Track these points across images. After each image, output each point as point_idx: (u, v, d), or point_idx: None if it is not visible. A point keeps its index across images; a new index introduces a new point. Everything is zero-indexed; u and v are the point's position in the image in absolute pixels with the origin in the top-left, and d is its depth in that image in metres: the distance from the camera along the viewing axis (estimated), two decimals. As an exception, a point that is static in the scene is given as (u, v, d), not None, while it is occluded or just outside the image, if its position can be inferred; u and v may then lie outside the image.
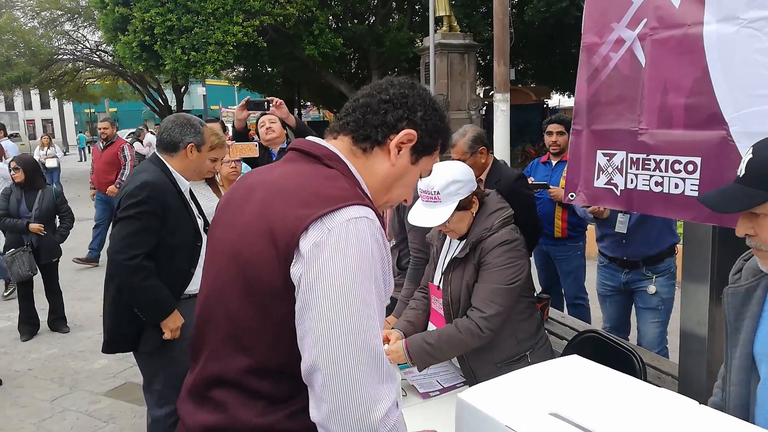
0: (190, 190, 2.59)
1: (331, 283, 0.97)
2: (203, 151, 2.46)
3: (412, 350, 1.93)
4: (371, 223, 1.03)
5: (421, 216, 1.97)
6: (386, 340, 2.05)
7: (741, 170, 1.24)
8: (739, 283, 1.37)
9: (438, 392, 2.04)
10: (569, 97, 23.09)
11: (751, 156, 1.22)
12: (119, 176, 6.95)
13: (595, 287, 3.42)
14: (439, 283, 2.14)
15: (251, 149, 3.53)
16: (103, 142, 7.08)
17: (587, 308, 3.94)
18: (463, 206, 1.98)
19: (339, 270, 0.98)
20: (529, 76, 20.28)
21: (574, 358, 1.25)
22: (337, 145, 1.16)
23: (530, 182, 3.56)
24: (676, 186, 1.70)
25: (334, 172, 1.12)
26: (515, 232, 2.00)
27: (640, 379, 2.26)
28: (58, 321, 5.00)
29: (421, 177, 1.24)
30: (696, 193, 1.65)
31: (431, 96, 1.21)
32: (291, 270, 1.01)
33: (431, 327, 2.24)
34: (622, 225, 2.96)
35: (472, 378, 2.08)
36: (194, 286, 2.51)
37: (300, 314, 1.00)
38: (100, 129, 7.12)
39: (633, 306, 3.27)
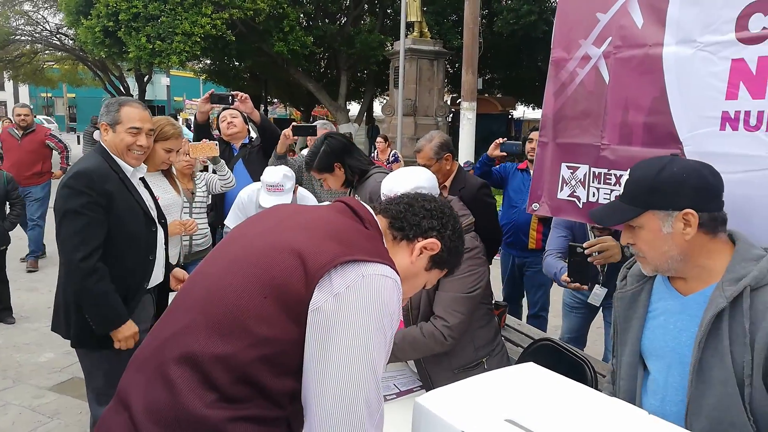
0: (144, 179, 2.52)
1: (354, 330, 1.05)
2: (118, 131, 2.32)
3: None
4: (397, 287, 1.12)
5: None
6: None
7: (621, 188, 1.41)
8: (626, 289, 1.51)
9: (395, 396, 2.05)
10: (534, 109, 23.56)
11: (628, 176, 1.39)
12: (64, 160, 6.52)
13: (562, 297, 3.47)
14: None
15: (211, 149, 3.46)
16: (21, 130, 6.21)
17: (546, 320, 4.01)
18: None
19: (363, 318, 1.06)
20: (495, 86, 20.60)
21: (530, 366, 1.27)
22: (379, 221, 1.28)
23: (503, 141, 3.53)
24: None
25: (373, 234, 1.23)
26: (475, 240, 2.03)
27: (592, 387, 2.32)
28: (4, 311, 4.81)
29: (425, 287, 1.37)
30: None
31: (461, 226, 1.36)
32: (314, 293, 1.06)
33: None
34: (596, 297, 2.84)
35: (429, 383, 2.09)
36: (155, 277, 2.46)
37: (314, 345, 1.05)
38: (19, 115, 6.20)
39: (593, 319, 3.32)
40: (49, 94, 33.14)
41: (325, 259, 1.07)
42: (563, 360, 2.50)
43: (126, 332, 2.30)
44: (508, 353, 2.22)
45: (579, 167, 1.91)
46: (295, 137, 3.53)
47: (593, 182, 1.86)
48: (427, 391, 2.09)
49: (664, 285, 1.43)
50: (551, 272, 2.75)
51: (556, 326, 4.31)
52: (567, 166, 1.94)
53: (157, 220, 2.46)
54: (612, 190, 1.81)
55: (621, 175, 1.80)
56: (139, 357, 1.18)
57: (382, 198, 2.01)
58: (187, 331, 1.10)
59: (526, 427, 1.02)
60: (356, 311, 1.05)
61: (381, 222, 1.27)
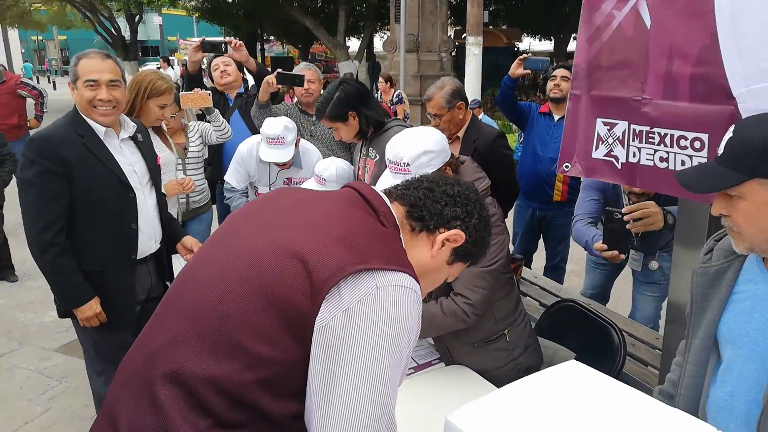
0: (142, 137, 2.32)
1: (365, 352, 0.91)
2: (78, 87, 2.08)
3: None
4: (417, 299, 0.99)
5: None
6: None
7: (720, 149, 1.19)
8: (710, 264, 1.33)
9: (413, 370, 1.94)
10: (540, 40, 22.74)
11: (731, 135, 1.17)
12: (38, 107, 6.08)
13: (587, 253, 3.31)
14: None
15: (204, 99, 3.23)
16: None
17: (564, 271, 3.88)
18: None
19: (376, 338, 0.92)
20: (500, 17, 19.79)
21: (573, 367, 1.13)
22: (394, 210, 1.12)
23: (529, 57, 3.25)
24: (683, 163, 1.56)
25: (389, 232, 1.07)
26: (493, 206, 1.85)
27: (619, 352, 2.21)
28: (5, 270, 4.72)
29: (447, 279, 1.23)
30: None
31: (488, 211, 1.21)
32: (321, 307, 0.92)
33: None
34: (636, 262, 2.67)
35: (447, 356, 1.98)
36: (145, 247, 2.30)
37: (319, 367, 0.92)
38: None
39: (620, 276, 3.16)
40: (40, 38, 32.08)
41: (333, 269, 0.92)
42: (588, 321, 2.38)
43: (87, 312, 2.17)
44: (530, 322, 2.09)
45: (617, 124, 1.70)
46: (279, 86, 3.28)
47: (634, 141, 1.67)
48: (446, 364, 1.99)
49: (758, 266, 1.25)
50: (582, 240, 2.57)
51: (569, 273, 4.20)
52: (603, 122, 1.73)
53: (140, 185, 2.25)
54: (656, 151, 1.62)
55: (666, 134, 1.60)
56: (127, 368, 1.05)
57: (387, 164, 1.82)
58: (176, 345, 0.96)
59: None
60: (369, 329, 0.91)
61: (397, 211, 1.12)
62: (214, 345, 0.93)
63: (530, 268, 4.00)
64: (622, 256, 2.19)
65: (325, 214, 1.04)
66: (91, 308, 2.17)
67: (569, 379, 1.09)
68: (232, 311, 0.94)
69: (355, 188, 1.13)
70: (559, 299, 2.81)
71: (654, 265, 2.76)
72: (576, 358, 2.54)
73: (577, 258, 3.95)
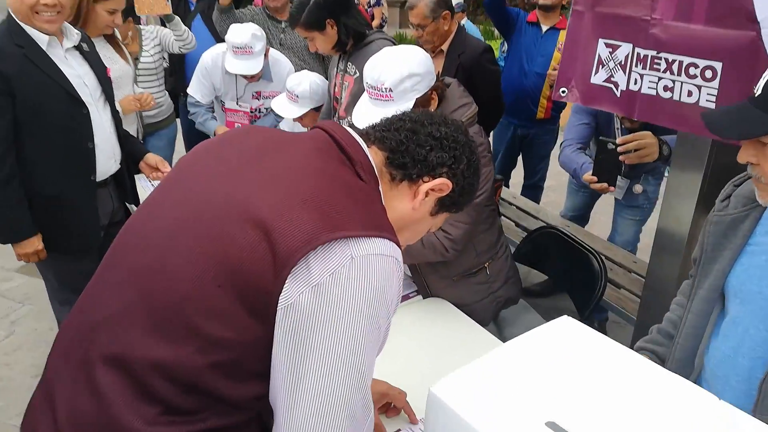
0: (88, 47, 2.07)
1: (339, 331, 0.79)
2: None
3: None
4: (398, 266, 0.86)
5: (370, 118, 1.63)
6: None
7: (758, 89, 1.03)
8: (726, 211, 1.22)
9: (389, 304, 1.87)
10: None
11: None
12: None
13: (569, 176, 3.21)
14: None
15: (161, 5, 2.91)
16: None
17: (542, 189, 3.79)
18: (420, 105, 1.64)
19: (352, 315, 0.80)
20: None
21: (564, 326, 1.04)
22: (372, 156, 0.97)
23: None
24: (690, 94, 1.42)
25: (367, 188, 0.93)
26: (480, 135, 1.70)
27: (600, 280, 2.16)
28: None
29: (429, 230, 1.11)
30: (713, 105, 1.38)
31: (478, 155, 1.06)
32: (286, 283, 0.78)
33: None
34: (619, 190, 2.51)
35: (425, 289, 1.90)
36: (105, 168, 2.12)
37: (285, 349, 0.80)
38: None
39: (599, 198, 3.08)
40: None
41: (301, 239, 0.78)
42: (569, 248, 2.32)
43: (26, 249, 2.01)
44: (511, 254, 2.01)
45: (620, 46, 1.53)
46: None
47: (636, 66, 1.50)
48: (424, 297, 1.91)
49: None
50: (570, 167, 2.44)
51: (550, 200, 4.13)
52: (606, 44, 1.56)
53: (93, 100, 2.03)
54: (660, 79, 1.47)
55: (673, 61, 1.45)
56: (66, 335, 0.92)
57: (366, 89, 1.64)
58: (120, 322, 0.84)
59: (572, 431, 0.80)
60: (343, 306, 0.79)
61: (375, 157, 0.97)
62: (163, 326, 0.81)
63: (508, 187, 3.92)
64: (612, 189, 2.08)
65: (291, 167, 0.88)
66: (32, 245, 2.01)
67: (560, 341, 1.00)
68: (186, 287, 0.80)
69: (327, 130, 0.97)
70: (540, 226, 2.74)
71: (638, 188, 2.67)
72: (555, 284, 2.52)
73: (554, 173, 3.86)
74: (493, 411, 0.85)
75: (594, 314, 2.41)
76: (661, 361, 1.32)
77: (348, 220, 0.81)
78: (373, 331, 0.82)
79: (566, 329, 1.04)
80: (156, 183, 2.76)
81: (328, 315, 0.78)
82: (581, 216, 3.16)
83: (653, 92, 1.49)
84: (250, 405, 0.87)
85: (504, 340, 2.16)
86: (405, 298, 1.91)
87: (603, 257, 2.17)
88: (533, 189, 3.76)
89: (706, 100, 1.39)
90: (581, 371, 0.93)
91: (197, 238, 0.82)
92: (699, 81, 1.40)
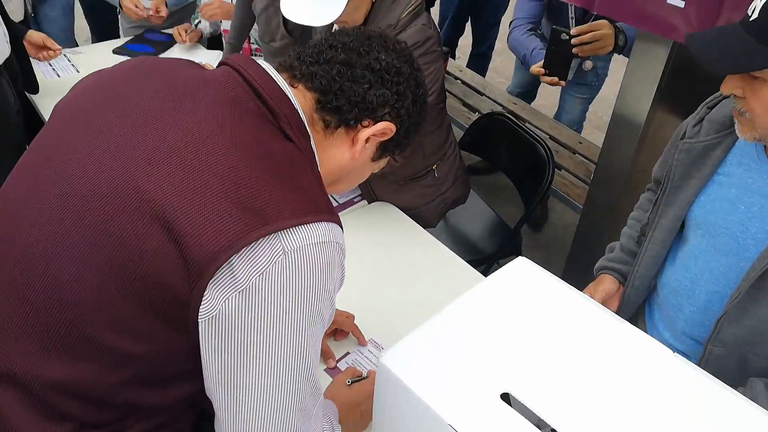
0: None
1: (277, 334, 0.69)
2: None
3: None
4: (340, 251, 0.75)
5: (305, 10, 1.40)
6: None
7: (753, 11, 0.89)
8: (698, 138, 1.13)
9: (332, 212, 1.77)
10: None
11: None
12: None
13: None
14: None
15: None
16: None
17: (490, 59, 3.60)
18: None
19: (290, 315, 0.69)
20: None
21: (520, 267, 0.98)
22: (299, 101, 0.81)
23: None
24: (659, -11, 1.27)
25: (295, 153, 0.77)
26: (428, 27, 1.51)
27: (547, 169, 2.12)
28: None
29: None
30: (681, 4, 1.24)
31: (425, 86, 0.91)
32: (205, 293, 0.66)
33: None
34: (570, 71, 2.22)
35: (370, 193, 1.81)
36: (2, 52, 1.83)
37: (215, 358, 0.70)
38: None
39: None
40: None
41: (219, 241, 0.65)
42: (515, 134, 2.24)
43: None
44: (459, 152, 1.91)
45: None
46: None
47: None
48: (369, 202, 1.83)
49: (755, 151, 1.05)
50: (520, 52, 2.25)
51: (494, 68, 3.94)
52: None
53: None
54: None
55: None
56: None
57: None
58: (5, 336, 0.71)
59: (527, 405, 0.77)
60: (278, 308, 0.68)
61: (303, 101, 0.81)
62: (56, 341, 0.69)
63: (454, 58, 3.72)
64: (563, 83, 1.96)
65: (197, 134, 0.71)
66: None
67: (515, 293, 0.95)
68: (81, 297, 0.67)
69: (239, 70, 0.78)
70: (487, 113, 2.62)
71: (588, 65, 2.56)
72: (505, 170, 2.46)
73: (502, 35, 3.66)
74: (446, 383, 0.81)
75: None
76: (624, 279, 1.31)
77: (276, 209, 0.68)
78: (316, 324, 0.73)
79: (521, 276, 0.98)
80: (57, 65, 2.46)
81: (263, 320, 0.67)
82: (528, 93, 3.06)
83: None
84: (178, 405, 0.79)
85: (450, 240, 2.14)
86: (349, 203, 1.82)
87: (549, 147, 2.10)
88: (481, 58, 3.58)
89: (677, -2, 1.24)
90: (537, 330, 0.89)
91: (86, 236, 0.68)
92: (672, -27, 1.24)
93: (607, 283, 1.30)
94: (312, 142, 0.81)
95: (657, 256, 1.21)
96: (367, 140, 0.85)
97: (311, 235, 0.70)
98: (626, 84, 1.75)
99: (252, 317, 0.67)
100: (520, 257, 1.02)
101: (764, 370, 1.05)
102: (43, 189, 0.73)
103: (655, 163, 1.35)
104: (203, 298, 0.66)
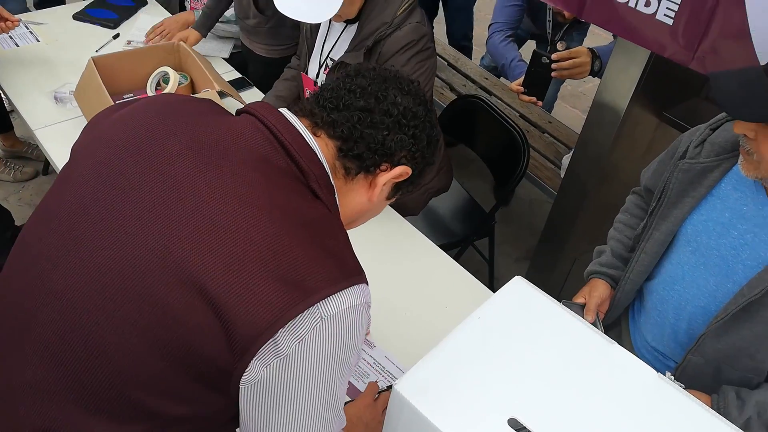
0: None
1: (312, 387, 0.73)
2: None
3: None
4: (368, 308, 0.78)
5: (301, 6, 1.37)
6: None
7: None
8: (698, 159, 1.17)
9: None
10: None
11: None
12: None
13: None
14: (316, 79, 1.67)
15: None
16: None
17: (471, 50, 3.55)
18: None
19: (323, 372, 0.73)
20: None
21: (517, 288, 1.04)
22: (323, 150, 0.82)
23: None
24: (647, 3, 1.30)
25: (325, 214, 0.79)
26: (422, 24, 1.51)
27: (522, 156, 2.17)
28: None
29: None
30: (671, 21, 1.27)
31: (438, 128, 0.92)
32: (249, 365, 0.69)
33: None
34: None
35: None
36: None
37: (254, 414, 0.74)
38: None
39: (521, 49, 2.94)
40: None
41: (266, 318, 0.67)
42: (489, 118, 2.27)
43: None
44: (443, 142, 1.94)
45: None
46: None
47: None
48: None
49: (755, 187, 1.10)
50: (499, 61, 2.26)
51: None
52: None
53: None
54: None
55: (640, -37, 1.28)
56: None
57: None
58: (43, 393, 0.71)
59: (533, 430, 0.85)
60: (314, 368, 0.72)
61: (326, 150, 0.82)
62: (101, 403, 0.70)
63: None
64: (540, 103, 2.01)
65: (235, 201, 0.71)
66: None
67: (515, 315, 1.00)
68: (124, 364, 0.68)
69: (266, 123, 0.78)
70: (460, 96, 2.63)
71: (561, 45, 2.60)
72: (480, 154, 2.50)
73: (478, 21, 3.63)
74: (457, 409, 0.87)
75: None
76: (616, 284, 1.37)
77: (315, 280, 0.70)
78: (345, 372, 0.77)
79: (520, 298, 1.04)
80: (15, 34, 2.33)
81: (300, 379, 0.71)
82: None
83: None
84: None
85: (426, 224, 2.19)
86: (333, 193, 1.83)
87: (523, 134, 2.15)
88: (461, 50, 3.52)
89: (665, 15, 1.28)
90: (539, 354, 0.95)
91: (128, 308, 0.68)
92: (667, -10, 1.27)
93: (601, 289, 1.36)
94: (335, 195, 0.83)
95: (648, 266, 1.28)
96: (384, 184, 0.87)
97: (345, 300, 0.72)
98: (606, 79, 1.79)
99: (291, 378, 0.71)
100: (516, 277, 1.08)
101: (736, 379, 1.15)
102: (80, 255, 0.72)
103: (645, 168, 1.40)
104: (248, 368, 0.69)
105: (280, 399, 0.71)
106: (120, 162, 0.76)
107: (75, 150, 0.82)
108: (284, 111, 0.83)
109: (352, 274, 0.75)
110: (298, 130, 0.80)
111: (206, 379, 0.71)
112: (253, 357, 0.68)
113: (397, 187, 0.92)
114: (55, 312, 0.72)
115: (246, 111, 0.82)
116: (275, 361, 0.69)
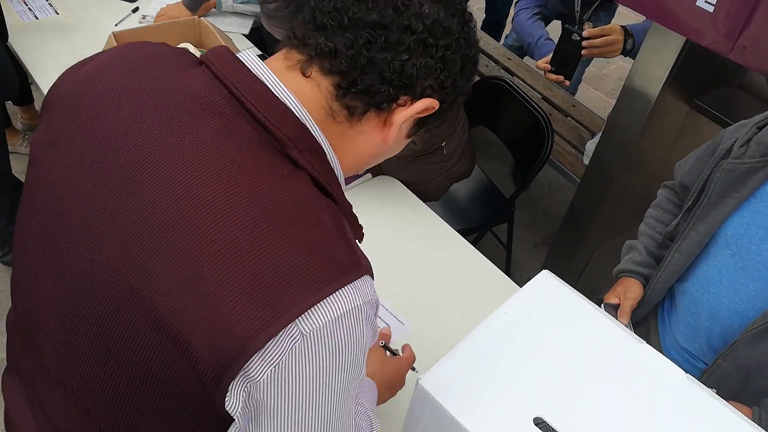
0: None
1: (317, 405, 0.60)
2: None
3: None
4: (370, 307, 0.62)
5: None
6: None
7: None
8: (743, 159, 1.12)
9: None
10: None
11: None
12: None
13: None
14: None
15: None
16: None
17: (504, 26, 3.45)
18: None
19: (316, 395, 0.59)
20: None
21: (544, 282, 1.01)
22: (309, 94, 0.64)
23: None
24: (684, -11, 1.24)
25: (306, 187, 0.62)
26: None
27: (546, 141, 2.12)
28: None
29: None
30: (711, 9, 1.22)
31: (477, 42, 0.70)
32: (226, 400, 0.58)
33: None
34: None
35: (376, 168, 1.80)
36: None
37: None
38: None
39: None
40: None
41: (229, 353, 0.55)
42: (513, 100, 2.23)
43: None
44: (467, 126, 1.90)
45: None
46: None
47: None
48: (373, 175, 1.82)
49: None
50: (525, 39, 2.19)
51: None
52: None
53: None
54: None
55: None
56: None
57: None
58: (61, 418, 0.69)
59: (558, 430, 0.83)
60: (301, 393, 0.58)
61: (321, 89, 0.64)
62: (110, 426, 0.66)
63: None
64: (567, 83, 1.94)
65: (192, 203, 0.57)
66: None
67: (542, 311, 0.98)
68: (114, 396, 0.63)
69: (225, 83, 0.63)
70: (484, 76, 2.58)
71: (588, 26, 2.53)
72: (502, 138, 2.45)
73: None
74: (481, 406, 0.86)
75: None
76: (647, 282, 1.34)
77: (289, 293, 0.55)
78: (348, 391, 0.64)
79: (546, 293, 1.02)
80: (33, 5, 2.31)
81: (284, 409, 0.59)
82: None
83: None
84: None
85: (446, 209, 2.17)
86: (355, 177, 1.80)
87: (548, 119, 2.10)
88: (495, 26, 3.44)
89: (705, 1, 1.22)
90: (565, 351, 0.93)
91: (93, 339, 0.62)
92: (704, -25, 1.22)
93: (637, 290, 1.31)
94: (329, 154, 0.67)
95: (681, 266, 1.23)
96: (404, 121, 0.68)
97: (332, 309, 0.57)
98: (638, 64, 1.74)
99: (274, 409, 0.58)
100: (544, 271, 1.05)
101: (765, 387, 1.12)
102: (38, 277, 0.67)
103: (680, 162, 1.36)
104: (227, 396, 0.57)
105: (280, 418, 0.59)
106: (77, 146, 0.65)
107: (55, 129, 0.68)
108: (245, 56, 0.66)
109: (344, 270, 0.59)
110: (265, 85, 0.63)
111: (191, 409, 0.62)
112: (226, 392, 0.57)
113: (421, 123, 0.73)
114: (43, 329, 0.68)
115: (204, 61, 0.66)
116: (268, 370, 0.56)
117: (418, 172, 1.79)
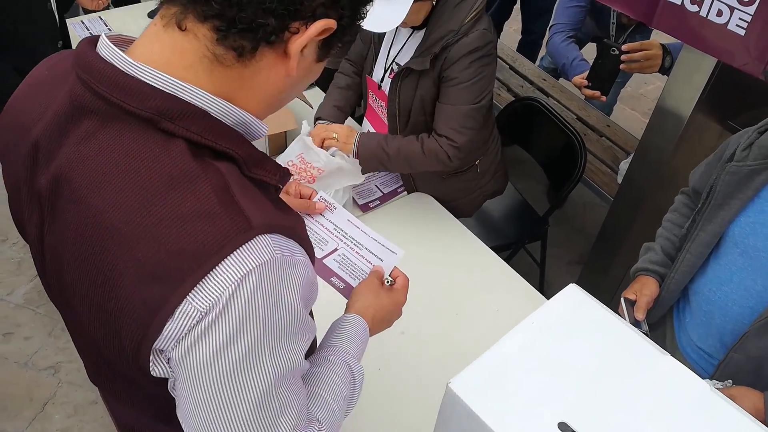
0: None
1: (224, 384, 0.61)
2: None
3: (364, 152, 1.64)
4: (278, 267, 0.60)
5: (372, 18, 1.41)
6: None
7: None
8: (746, 162, 1.18)
9: (378, 201, 1.84)
10: None
11: None
12: None
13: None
14: (381, 83, 1.71)
15: None
16: None
17: (540, 46, 3.50)
18: None
19: (234, 366, 0.60)
20: None
21: (572, 295, 1.06)
22: (187, 48, 0.60)
23: None
24: (719, 13, 1.28)
25: (173, 159, 0.59)
26: (489, 32, 1.53)
27: (579, 160, 2.16)
28: None
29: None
30: (743, 32, 1.26)
31: None
32: (151, 369, 0.62)
33: (367, 124, 1.89)
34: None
35: (411, 184, 1.87)
36: None
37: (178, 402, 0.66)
38: None
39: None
40: None
41: (136, 337, 0.60)
42: (546, 121, 2.27)
43: None
44: (500, 145, 1.95)
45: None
46: None
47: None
48: (409, 192, 1.88)
49: None
50: (559, 61, 2.24)
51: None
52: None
53: None
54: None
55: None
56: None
57: None
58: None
59: (582, 434, 0.87)
60: (220, 365, 0.60)
61: (199, 40, 0.60)
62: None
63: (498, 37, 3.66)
64: (604, 98, 1.96)
65: (88, 221, 0.61)
66: None
67: (570, 323, 1.03)
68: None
69: (85, 79, 0.61)
70: (518, 97, 2.63)
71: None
72: (535, 157, 2.50)
73: None
74: (509, 411, 0.90)
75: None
76: (663, 280, 1.39)
77: (176, 262, 0.56)
78: (291, 343, 0.65)
79: (574, 306, 1.06)
80: (92, 27, 2.46)
81: (207, 382, 0.61)
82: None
83: (678, 1, 1.34)
84: None
85: (479, 226, 2.21)
86: (392, 194, 1.87)
87: (582, 140, 2.13)
88: (530, 46, 3.47)
89: (737, 25, 1.26)
90: (591, 362, 0.97)
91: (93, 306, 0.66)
92: (733, 2, 1.25)
93: (653, 288, 1.38)
94: (220, 104, 0.63)
95: (693, 266, 1.29)
96: (303, 48, 0.63)
97: (227, 275, 0.57)
98: (670, 84, 1.77)
99: (198, 382, 0.60)
100: (572, 284, 1.10)
101: None
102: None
103: (694, 169, 1.40)
104: (152, 367, 0.62)
105: (206, 389, 0.62)
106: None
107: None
108: (100, 42, 0.63)
109: (229, 233, 0.57)
110: (113, 65, 0.60)
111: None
112: (149, 362, 0.61)
113: (327, 44, 0.67)
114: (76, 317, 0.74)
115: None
116: (183, 345, 0.59)
117: (452, 189, 1.85)
